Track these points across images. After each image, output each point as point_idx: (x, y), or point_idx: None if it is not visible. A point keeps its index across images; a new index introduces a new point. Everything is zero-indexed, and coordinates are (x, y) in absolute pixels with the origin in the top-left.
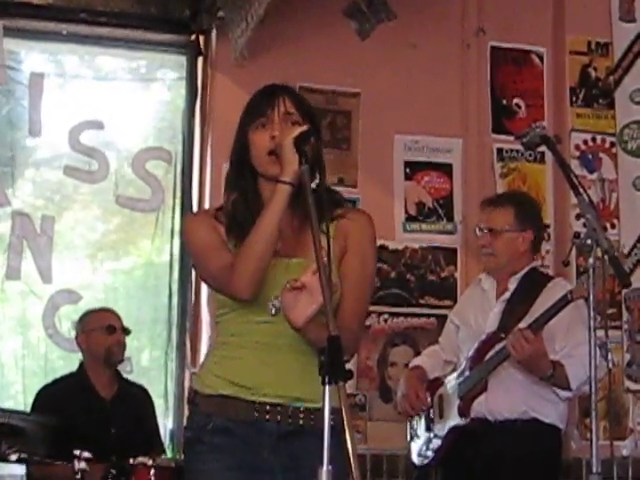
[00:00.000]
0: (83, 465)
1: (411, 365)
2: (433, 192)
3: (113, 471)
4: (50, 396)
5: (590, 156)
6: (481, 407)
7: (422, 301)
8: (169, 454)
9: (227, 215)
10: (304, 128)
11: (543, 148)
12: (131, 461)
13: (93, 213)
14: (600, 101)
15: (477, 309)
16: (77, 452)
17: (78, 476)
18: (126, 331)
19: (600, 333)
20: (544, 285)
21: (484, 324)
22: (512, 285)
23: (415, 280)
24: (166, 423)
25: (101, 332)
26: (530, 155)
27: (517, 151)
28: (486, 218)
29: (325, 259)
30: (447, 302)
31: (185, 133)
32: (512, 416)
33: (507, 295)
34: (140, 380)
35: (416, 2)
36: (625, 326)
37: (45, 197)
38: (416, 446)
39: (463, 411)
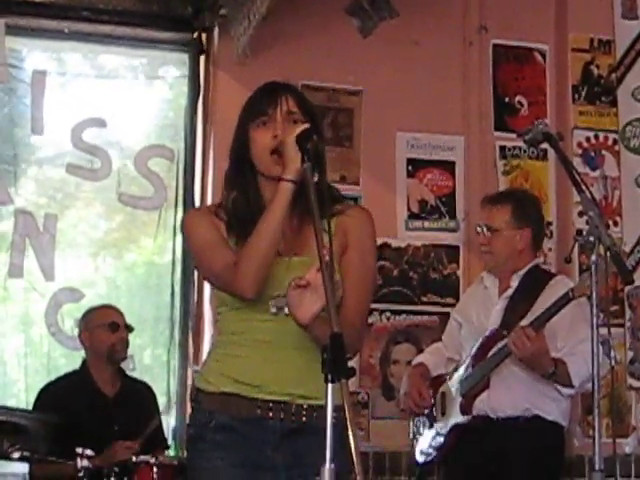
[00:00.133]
0: (86, 463)
1: (414, 362)
2: (435, 190)
3: (116, 469)
4: (52, 394)
5: (592, 153)
6: (483, 404)
7: (424, 299)
8: (172, 452)
9: (228, 213)
10: (306, 126)
11: (545, 145)
12: (134, 459)
13: (96, 211)
14: (602, 98)
15: (479, 307)
16: (79, 450)
17: (81, 474)
18: (129, 328)
19: (603, 330)
20: (546, 282)
21: (486, 322)
22: (514, 282)
23: (417, 278)
24: (168, 421)
25: (104, 329)
26: (533, 152)
27: (519, 148)
28: (485, 216)
29: (327, 258)
30: (449, 300)
31: (187, 131)
32: (514, 413)
33: (509, 292)
34: (142, 378)
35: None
36: (628, 323)
37: (48, 195)
38: (418, 444)
39: (465, 409)
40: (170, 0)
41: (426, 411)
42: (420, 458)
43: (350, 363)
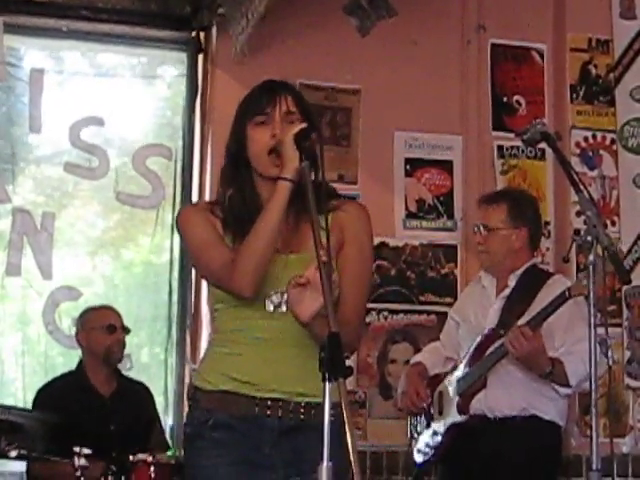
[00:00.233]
0: (83, 461)
1: (412, 361)
2: (433, 189)
3: (113, 467)
4: (49, 395)
5: (590, 153)
6: (480, 404)
7: (422, 298)
8: (169, 451)
9: (224, 210)
10: (304, 125)
11: (543, 145)
12: (131, 458)
13: (93, 210)
14: (600, 98)
15: (477, 306)
16: (77, 449)
17: (78, 473)
18: (126, 330)
19: (600, 330)
20: (544, 282)
21: (484, 321)
22: (512, 282)
23: (415, 277)
24: (166, 420)
25: (101, 331)
26: (530, 152)
27: (517, 148)
28: (481, 215)
29: (324, 258)
30: (447, 299)
31: (185, 130)
32: (511, 413)
33: (507, 292)
34: (140, 377)
35: None
36: (625, 323)
37: (45, 194)
38: (416, 443)
39: (462, 408)
40: None
41: (424, 410)
42: (417, 457)
43: (347, 362)
